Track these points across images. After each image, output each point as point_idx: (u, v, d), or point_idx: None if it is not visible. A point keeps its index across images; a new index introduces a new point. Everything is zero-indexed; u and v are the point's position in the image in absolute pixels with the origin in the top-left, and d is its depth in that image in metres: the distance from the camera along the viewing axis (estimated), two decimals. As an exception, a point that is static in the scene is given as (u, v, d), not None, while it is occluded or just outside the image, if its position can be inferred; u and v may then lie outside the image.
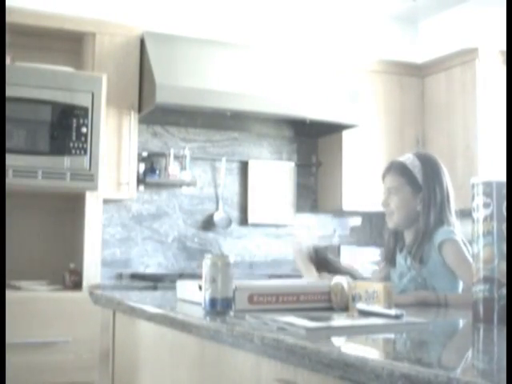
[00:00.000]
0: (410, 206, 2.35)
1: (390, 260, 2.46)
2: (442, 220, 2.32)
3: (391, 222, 2.40)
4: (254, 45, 4.16)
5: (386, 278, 2.46)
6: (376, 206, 4.27)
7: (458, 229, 2.35)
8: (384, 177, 2.44)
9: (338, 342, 1.36)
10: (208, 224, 4.26)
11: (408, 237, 2.39)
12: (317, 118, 3.98)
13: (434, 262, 2.28)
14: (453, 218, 2.36)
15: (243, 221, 4.36)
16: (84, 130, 3.44)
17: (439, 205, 2.33)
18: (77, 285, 3.51)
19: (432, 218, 2.31)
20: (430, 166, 2.38)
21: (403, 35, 4.74)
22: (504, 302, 1.54)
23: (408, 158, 2.40)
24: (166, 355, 1.94)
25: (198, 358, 1.74)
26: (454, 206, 2.38)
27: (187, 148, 4.15)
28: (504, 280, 1.54)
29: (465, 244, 2.29)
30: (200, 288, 1.80)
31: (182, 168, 4.11)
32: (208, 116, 3.95)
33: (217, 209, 4.28)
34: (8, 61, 3.45)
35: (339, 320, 1.58)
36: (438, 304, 2.10)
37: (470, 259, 2.23)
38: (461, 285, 2.30)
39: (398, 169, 2.39)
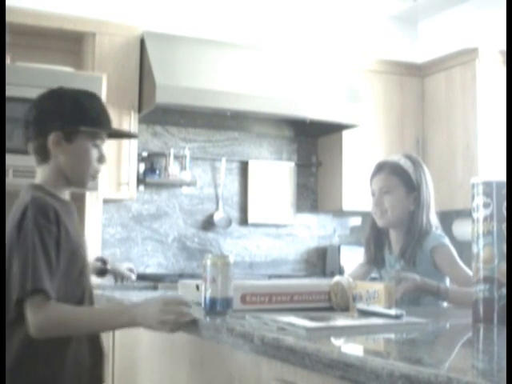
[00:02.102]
0: (404, 206, 2.35)
1: (373, 261, 2.46)
2: (430, 223, 2.33)
3: (383, 221, 2.37)
4: (254, 45, 4.17)
5: (366, 276, 2.47)
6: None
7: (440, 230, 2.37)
8: (374, 177, 2.41)
9: (338, 342, 1.36)
10: (208, 224, 4.26)
11: (395, 237, 2.39)
12: (317, 117, 3.98)
13: (425, 265, 2.29)
14: (436, 220, 2.37)
15: (243, 221, 4.35)
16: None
17: (428, 206, 2.35)
18: (77, 285, 3.50)
19: (425, 221, 2.32)
20: (421, 168, 2.39)
21: (403, 35, 4.74)
22: (504, 302, 1.54)
23: (400, 159, 2.39)
24: (166, 355, 1.94)
25: (198, 357, 1.74)
26: (434, 208, 2.40)
27: (187, 148, 4.15)
28: (504, 280, 1.54)
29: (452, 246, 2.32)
30: (197, 288, 1.80)
31: (182, 168, 4.11)
32: (208, 116, 3.95)
33: (217, 209, 4.28)
34: (8, 61, 3.45)
35: (339, 320, 1.58)
36: (437, 294, 2.10)
37: (460, 262, 2.27)
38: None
39: (392, 168, 2.37)
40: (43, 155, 1.80)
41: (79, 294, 1.79)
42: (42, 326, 1.61)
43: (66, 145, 1.77)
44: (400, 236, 2.37)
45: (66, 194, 1.87)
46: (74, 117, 1.78)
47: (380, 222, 2.39)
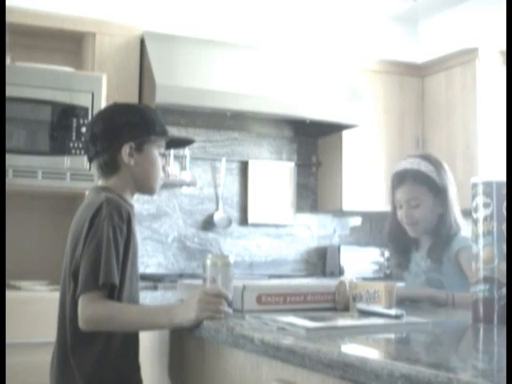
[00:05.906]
0: (434, 212, 2.31)
1: (399, 266, 2.44)
2: (457, 224, 2.30)
3: (416, 232, 2.34)
4: (254, 45, 4.16)
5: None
6: (376, 206, 4.29)
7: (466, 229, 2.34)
8: (397, 188, 2.32)
9: (338, 342, 1.36)
10: (208, 224, 4.26)
11: (424, 236, 2.37)
12: (317, 117, 3.98)
13: (451, 265, 2.27)
14: (462, 220, 2.33)
15: (243, 221, 4.35)
16: (84, 130, 3.44)
17: (454, 205, 2.32)
18: (77, 285, 3.50)
19: (452, 221, 2.29)
20: (443, 169, 2.33)
21: (403, 35, 4.74)
22: (504, 302, 1.54)
23: (418, 163, 2.30)
24: (165, 355, 1.94)
25: (198, 357, 1.74)
26: (459, 206, 2.36)
27: (187, 148, 4.14)
28: (504, 280, 1.54)
29: None
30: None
31: (182, 168, 4.11)
32: (208, 116, 3.95)
33: (217, 209, 4.28)
34: (8, 61, 3.45)
35: (339, 320, 1.58)
36: (446, 303, 2.10)
37: None
38: None
39: (415, 177, 2.29)
40: (113, 167, 1.86)
41: (137, 297, 1.85)
42: (91, 320, 1.65)
43: (137, 155, 1.87)
44: (429, 236, 2.35)
45: (132, 199, 1.92)
46: (145, 127, 1.87)
47: (412, 234, 2.35)
